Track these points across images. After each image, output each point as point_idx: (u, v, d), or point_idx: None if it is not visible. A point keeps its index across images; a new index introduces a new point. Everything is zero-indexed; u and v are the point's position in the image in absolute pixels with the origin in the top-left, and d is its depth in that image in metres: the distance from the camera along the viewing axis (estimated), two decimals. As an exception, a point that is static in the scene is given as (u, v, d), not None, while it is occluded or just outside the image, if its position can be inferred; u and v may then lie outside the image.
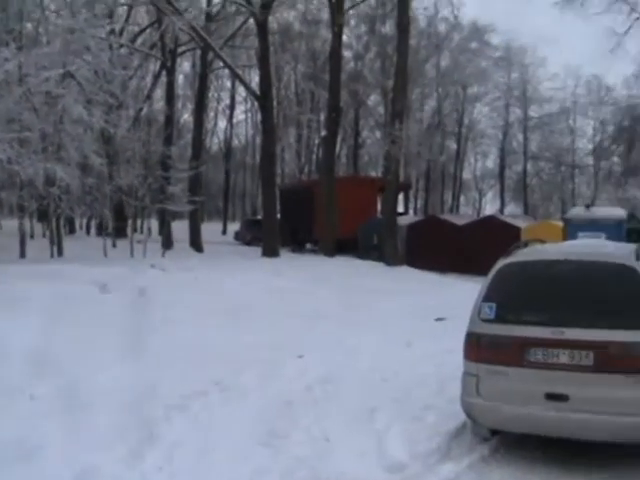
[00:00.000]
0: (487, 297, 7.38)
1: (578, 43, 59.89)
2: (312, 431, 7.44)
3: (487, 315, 7.27)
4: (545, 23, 59.48)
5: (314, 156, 56.97)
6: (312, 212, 35.89)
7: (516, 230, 29.27)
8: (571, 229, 21.31)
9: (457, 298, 17.47)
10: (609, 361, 6.71)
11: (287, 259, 29.45)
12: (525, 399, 6.91)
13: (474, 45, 52.53)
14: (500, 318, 7.20)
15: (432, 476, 6.49)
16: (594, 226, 20.49)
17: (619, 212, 23.50)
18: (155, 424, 7.32)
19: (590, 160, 58.54)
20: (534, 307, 7.23)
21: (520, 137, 58.68)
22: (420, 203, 61.22)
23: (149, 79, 40.60)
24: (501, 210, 57.00)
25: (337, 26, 30.32)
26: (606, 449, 7.08)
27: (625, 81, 51.11)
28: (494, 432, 7.48)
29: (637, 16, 32.51)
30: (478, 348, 7.25)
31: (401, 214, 34.75)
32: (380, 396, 8.86)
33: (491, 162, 63.22)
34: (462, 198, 63.50)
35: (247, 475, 6.26)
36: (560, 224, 25.96)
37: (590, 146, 58.32)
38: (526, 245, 8.40)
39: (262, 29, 30.71)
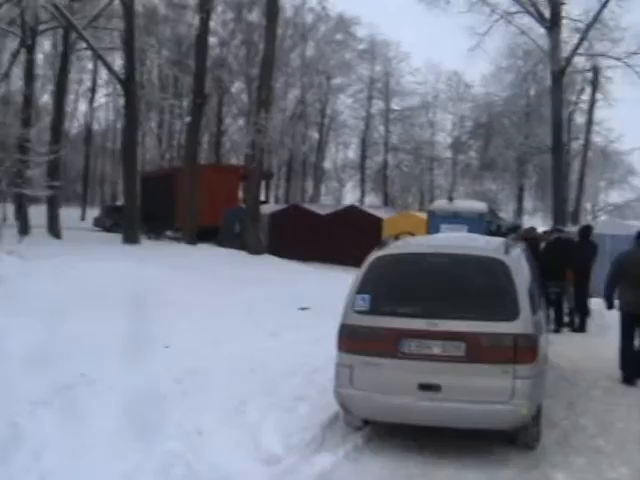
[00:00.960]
0: (361, 289, 7.44)
1: (441, 40, 61.51)
2: (184, 425, 7.29)
3: (361, 307, 7.33)
4: (410, 18, 60.37)
5: (176, 142, 56.20)
6: (174, 199, 35.45)
7: (378, 221, 29.82)
8: (434, 221, 21.84)
9: (320, 287, 17.68)
10: (480, 352, 6.92)
11: (149, 246, 29.01)
12: (398, 389, 7.04)
13: (339, 37, 53.10)
14: (374, 310, 7.28)
15: (308, 467, 6.50)
16: (457, 219, 21.08)
17: (480, 205, 24.27)
18: (19, 423, 6.95)
19: (449, 153, 60.28)
20: (407, 299, 7.36)
21: (381, 129, 59.70)
22: (281, 192, 61.47)
23: (7, 57, 38.86)
24: (361, 200, 57.88)
25: (204, 11, 29.93)
26: (478, 435, 7.29)
27: (483, 79, 52.97)
28: (366, 422, 7.56)
29: (497, 17, 33.70)
30: (352, 339, 7.31)
31: (262, 203, 34.79)
32: (250, 387, 8.80)
33: (352, 152, 64.17)
34: (323, 187, 64.08)
35: (120, 472, 6.05)
36: (423, 216, 26.53)
37: (449, 140, 60.07)
38: (397, 238, 8.49)
39: (128, 11, 30.00)
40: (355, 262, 9.27)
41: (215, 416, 7.56)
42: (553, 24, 31.89)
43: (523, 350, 6.94)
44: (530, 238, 15.26)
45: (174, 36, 46.16)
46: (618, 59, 34.80)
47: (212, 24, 35.17)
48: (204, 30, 30.73)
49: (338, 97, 58.81)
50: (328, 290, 14.46)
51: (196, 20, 30.96)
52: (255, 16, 45.00)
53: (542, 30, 33.34)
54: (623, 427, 8.49)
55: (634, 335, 11.24)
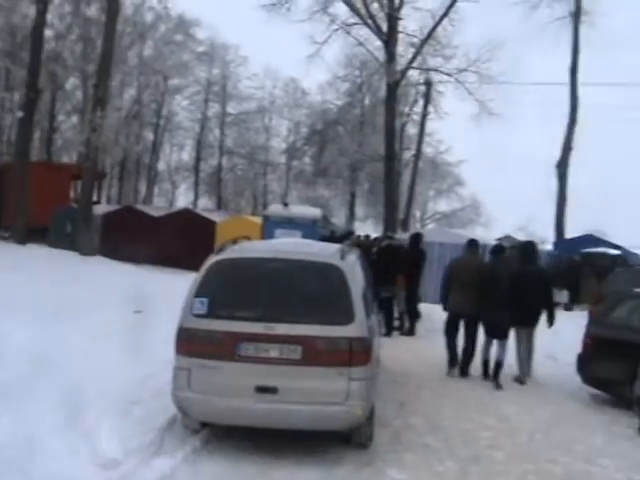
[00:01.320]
0: (199, 293, 7.46)
1: (280, 46, 61.91)
2: (16, 430, 7.03)
3: (199, 310, 7.36)
4: (251, 23, 60.42)
5: (6, 137, 53.83)
6: (2, 197, 33.96)
7: (211, 224, 29.76)
8: (269, 226, 21.95)
9: (154, 290, 17.39)
10: (316, 355, 7.09)
11: (-26, 245, 27.63)
12: (236, 392, 7.11)
13: (179, 37, 52.33)
14: (212, 313, 7.33)
15: (148, 471, 6.47)
16: (291, 224, 21.30)
17: (314, 211, 24.58)
18: None
19: (283, 159, 60.63)
20: (245, 303, 7.44)
21: (217, 132, 59.37)
22: (114, 192, 60.01)
23: None
24: (194, 203, 57.39)
25: (41, 2, 28.88)
26: (314, 436, 7.47)
27: (320, 87, 53.71)
28: (204, 424, 7.58)
29: (336, 28, 34.40)
30: (190, 342, 7.31)
31: (94, 203, 33.89)
32: (84, 391, 8.57)
33: (187, 154, 63.35)
34: (156, 189, 63.06)
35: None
36: (257, 220, 26.66)
37: (284, 145, 60.39)
38: (235, 242, 8.55)
39: (-45, -4, 28.52)
40: (189, 265, 9.26)
41: (50, 421, 7.34)
42: (390, 38, 32.98)
43: (357, 353, 7.17)
44: (362, 244, 15.75)
45: (8, 26, 44.16)
46: (449, 75, 36.56)
47: (49, 16, 33.93)
48: (40, 22, 29.61)
49: (174, 98, 57.94)
50: (162, 293, 14.33)
51: (32, 11, 29.73)
52: (94, 11, 43.73)
53: (379, 42, 34.33)
54: (449, 425, 8.98)
55: (456, 333, 12.51)
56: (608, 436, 9.05)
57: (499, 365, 11.77)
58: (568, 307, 24.36)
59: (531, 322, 12.20)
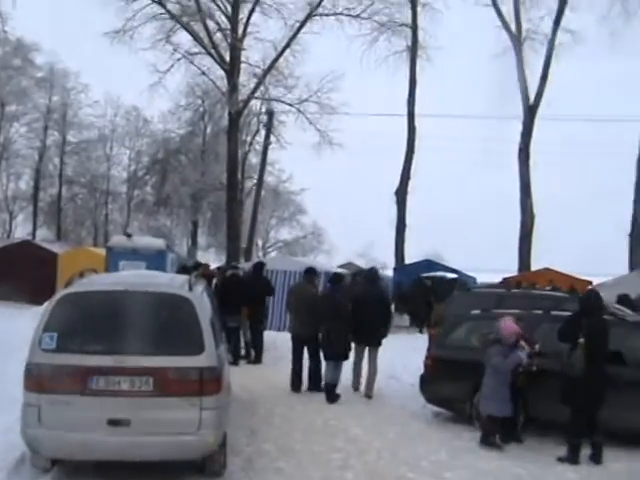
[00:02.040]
0: (47, 327, 7.33)
1: (122, 74, 60.88)
2: None
3: (48, 345, 7.23)
4: (93, 49, 58.91)
5: None
6: None
7: (53, 256, 28.90)
8: (113, 257, 21.58)
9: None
10: (167, 385, 7.12)
11: None
12: (88, 426, 7.02)
13: (17, 62, 50.61)
14: (61, 348, 7.21)
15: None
16: (136, 255, 21.02)
17: (159, 242, 24.36)
18: None
19: (124, 188, 59.65)
20: (95, 337, 7.37)
21: (57, 160, 57.76)
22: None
23: None
24: (33, 234, 55.47)
25: None
26: (167, 466, 7.46)
27: (162, 115, 53.26)
28: (54, 462, 7.43)
29: (179, 57, 34.32)
30: (39, 378, 7.17)
31: None
32: None
33: (24, 183, 61.29)
34: (-9, 219, 60.59)
35: None
36: (100, 251, 26.17)
37: (125, 174, 59.45)
38: (82, 275, 8.47)
39: None
40: (31, 299, 9.07)
41: None
42: (232, 67, 33.20)
43: (208, 382, 7.25)
44: (205, 274, 15.85)
45: None
46: (291, 105, 37.06)
47: None
48: None
49: (12, 125, 56.06)
50: (2, 328, 13.86)
51: None
52: None
53: (222, 72, 34.50)
54: (300, 449, 9.17)
55: (301, 354, 13.52)
56: (452, 451, 9.48)
57: (334, 385, 12.60)
58: (421, 330, 24.96)
59: (373, 342, 13.20)
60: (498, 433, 9.85)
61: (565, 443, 9.39)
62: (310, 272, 14.24)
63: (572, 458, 9.22)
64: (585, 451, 9.30)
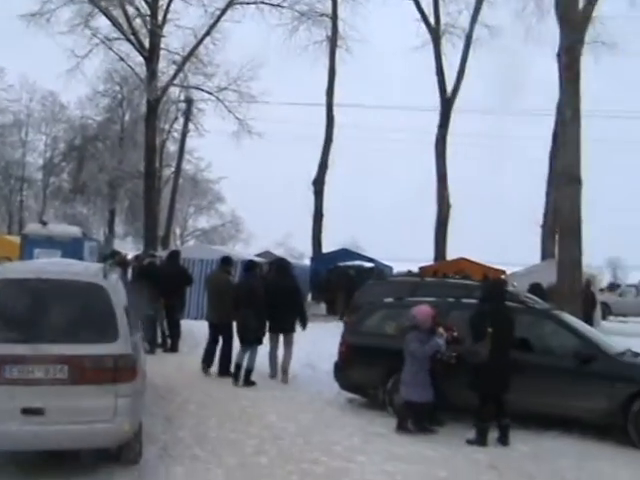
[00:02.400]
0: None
1: (38, 58, 59.27)
2: None
3: (-39, 335, 7.14)
4: (8, 33, 56.99)
5: None
6: None
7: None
8: (28, 245, 21.15)
9: None
10: (82, 373, 7.12)
11: None
12: (1, 416, 6.96)
13: None
14: None
15: None
16: (51, 243, 20.66)
17: (74, 230, 23.95)
18: None
19: (40, 175, 58.40)
20: (9, 325, 7.32)
21: (-31, 146, 56.26)
22: None
23: None
24: None
25: None
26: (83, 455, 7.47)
27: (79, 101, 52.24)
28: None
29: (97, 42, 33.72)
30: None
31: None
32: None
33: None
34: None
35: None
36: (16, 239, 25.64)
37: (41, 161, 58.17)
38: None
39: None
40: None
41: None
42: (151, 54, 32.79)
43: (123, 370, 7.28)
44: (120, 262, 15.84)
45: None
46: (210, 93, 36.94)
47: None
48: None
49: None
50: None
51: None
52: None
53: (141, 59, 34.05)
54: (215, 436, 9.30)
55: (217, 338, 14.02)
56: (364, 436, 9.71)
57: (250, 370, 13.00)
58: (342, 318, 25.11)
59: (286, 328, 13.70)
60: (413, 419, 10.12)
61: (474, 427, 9.74)
62: (225, 261, 14.80)
63: (480, 440, 9.56)
64: (493, 434, 9.66)
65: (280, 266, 14.87)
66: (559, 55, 23.69)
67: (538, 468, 8.68)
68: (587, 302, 23.88)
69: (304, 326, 13.97)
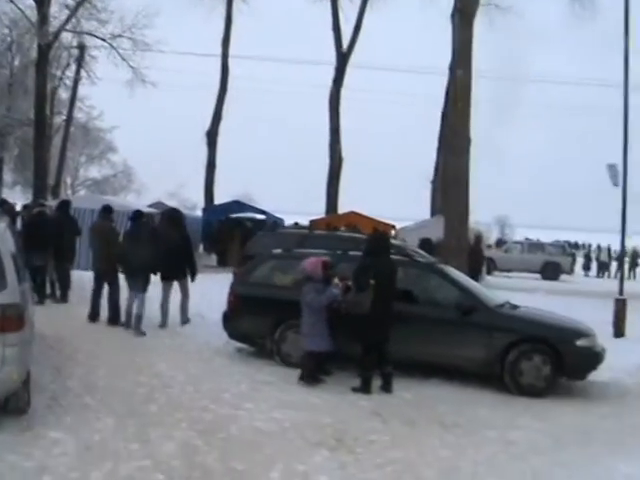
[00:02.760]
0: None
1: None
2: None
3: None
4: None
5: None
6: None
7: None
8: None
9: None
10: None
11: None
12: None
13: None
14: None
15: None
16: None
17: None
18: None
19: None
20: None
21: None
22: None
23: None
24: None
25: None
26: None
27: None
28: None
29: None
30: None
31: None
32: None
33: None
34: None
35: None
36: None
37: None
38: None
39: None
40: None
41: None
42: (43, -3, 31.66)
43: (10, 319, 7.21)
44: (8, 211, 15.61)
45: None
46: (104, 39, 35.79)
47: None
48: None
49: None
50: None
51: None
52: None
53: (31, 1, 32.81)
54: (105, 385, 9.39)
55: (101, 288, 14.48)
56: (252, 384, 9.97)
57: (139, 316, 13.21)
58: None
59: (179, 275, 14.23)
60: (317, 368, 10.42)
61: (358, 376, 10.11)
62: (106, 210, 15.07)
63: (365, 388, 9.94)
64: (378, 382, 10.07)
65: (170, 216, 15.14)
66: (453, 16, 24.19)
67: (419, 414, 9.11)
68: (476, 257, 24.80)
69: (193, 277, 14.38)
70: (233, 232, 28.42)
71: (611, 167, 17.93)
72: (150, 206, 29.19)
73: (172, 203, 39.98)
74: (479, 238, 25.81)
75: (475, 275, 23.99)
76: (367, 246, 10.71)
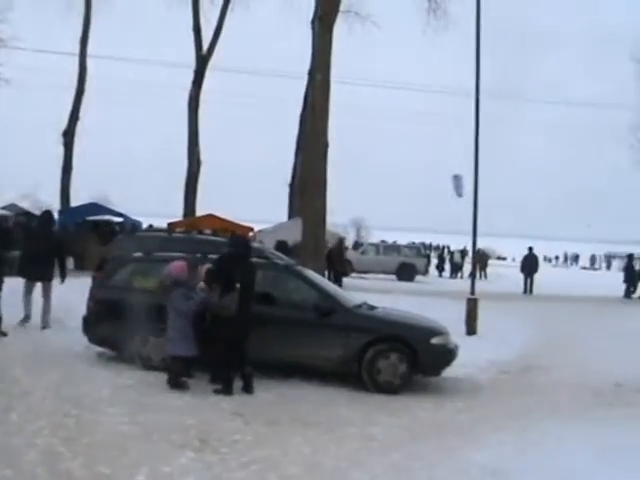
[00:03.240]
0: None
1: None
2: None
3: None
4: None
5: None
6: None
7: None
8: None
9: None
10: None
11: None
12: None
13: None
14: None
15: None
16: None
17: None
18: None
19: None
20: None
21: None
22: None
23: None
24: None
25: None
26: None
27: None
28: None
29: None
30: None
31: None
32: None
33: None
34: None
35: None
36: None
37: None
38: None
39: None
40: None
41: None
42: None
43: None
44: None
45: None
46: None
47: None
48: None
49: None
50: None
51: None
52: None
53: None
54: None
55: None
56: (114, 388, 9.93)
57: None
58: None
59: (45, 278, 14.28)
60: (183, 372, 10.44)
61: (219, 377, 10.27)
62: None
63: (226, 390, 10.08)
64: (239, 384, 10.24)
65: (43, 218, 15.42)
66: (313, 22, 24.63)
67: (281, 413, 9.35)
68: (340, 260, 25.39)
69: (63, 278, 14.46)
70: (91, 235, 27.83)
71: (456, 178, 18.66)
72: (3, 208, 28.27)
73: (26, 205, 38.82)
74: (342, 241, 26.32)
75: (340, 278, 24.64)
76: (230, 249, 10.82)
